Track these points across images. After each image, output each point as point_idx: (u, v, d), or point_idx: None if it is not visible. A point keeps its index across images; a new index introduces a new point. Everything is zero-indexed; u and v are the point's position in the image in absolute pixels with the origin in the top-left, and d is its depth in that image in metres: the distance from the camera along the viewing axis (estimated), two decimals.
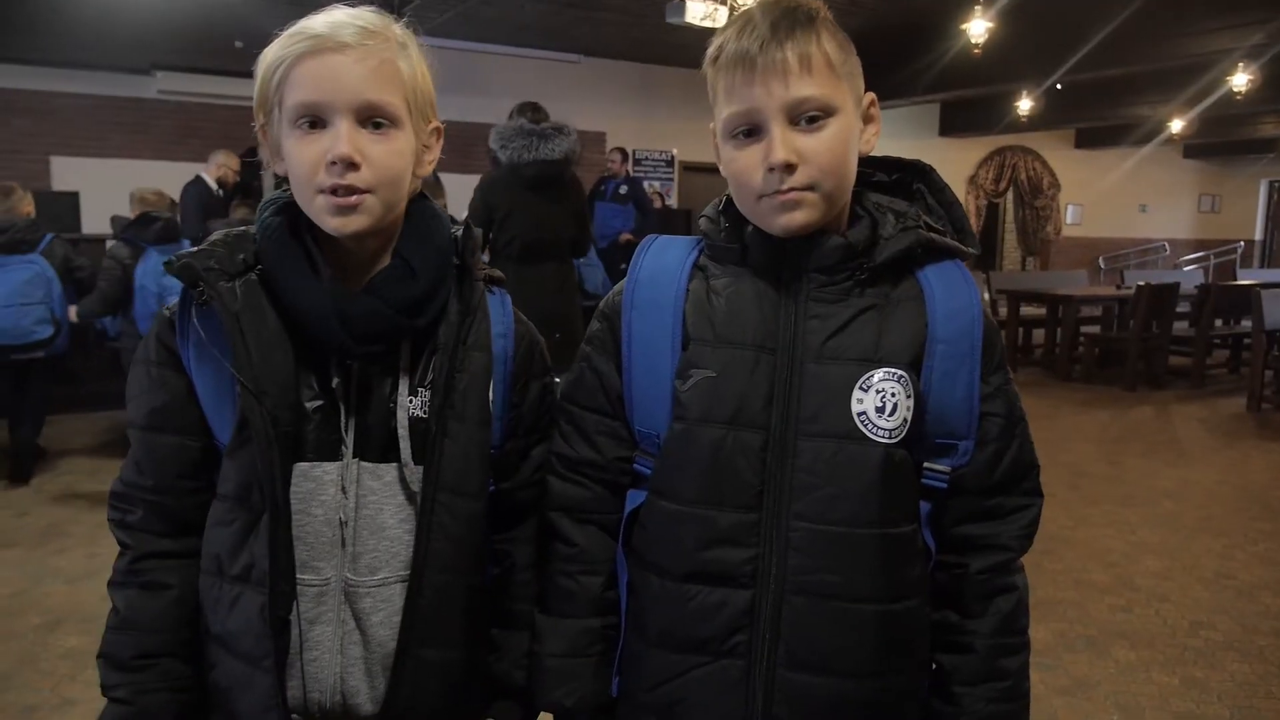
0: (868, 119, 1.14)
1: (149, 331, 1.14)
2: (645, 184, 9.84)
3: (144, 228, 5.02)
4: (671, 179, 11.87)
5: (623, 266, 1.24)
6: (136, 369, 1.14)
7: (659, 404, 1.15)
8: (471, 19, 8.23)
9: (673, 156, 11.80)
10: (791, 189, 1.06)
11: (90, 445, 5.84)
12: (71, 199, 7.64)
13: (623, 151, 8.65)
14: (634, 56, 10.73)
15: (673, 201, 11.44)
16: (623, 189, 8.32)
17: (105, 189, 5.83)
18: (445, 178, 7.77)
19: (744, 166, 1.09)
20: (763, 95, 1.06)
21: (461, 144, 10.36)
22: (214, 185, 7.06)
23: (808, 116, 1.07)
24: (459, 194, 5.08)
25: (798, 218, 1.08)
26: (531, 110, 4.17)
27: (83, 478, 5.26)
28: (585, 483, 1.21)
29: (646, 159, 11.63)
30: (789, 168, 1.06)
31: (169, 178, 7.44)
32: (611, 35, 9.68)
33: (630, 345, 1.17)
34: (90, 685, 2.94)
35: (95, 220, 7.35)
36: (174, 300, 1.12)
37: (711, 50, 1.12)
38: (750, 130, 1.09)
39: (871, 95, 1.15)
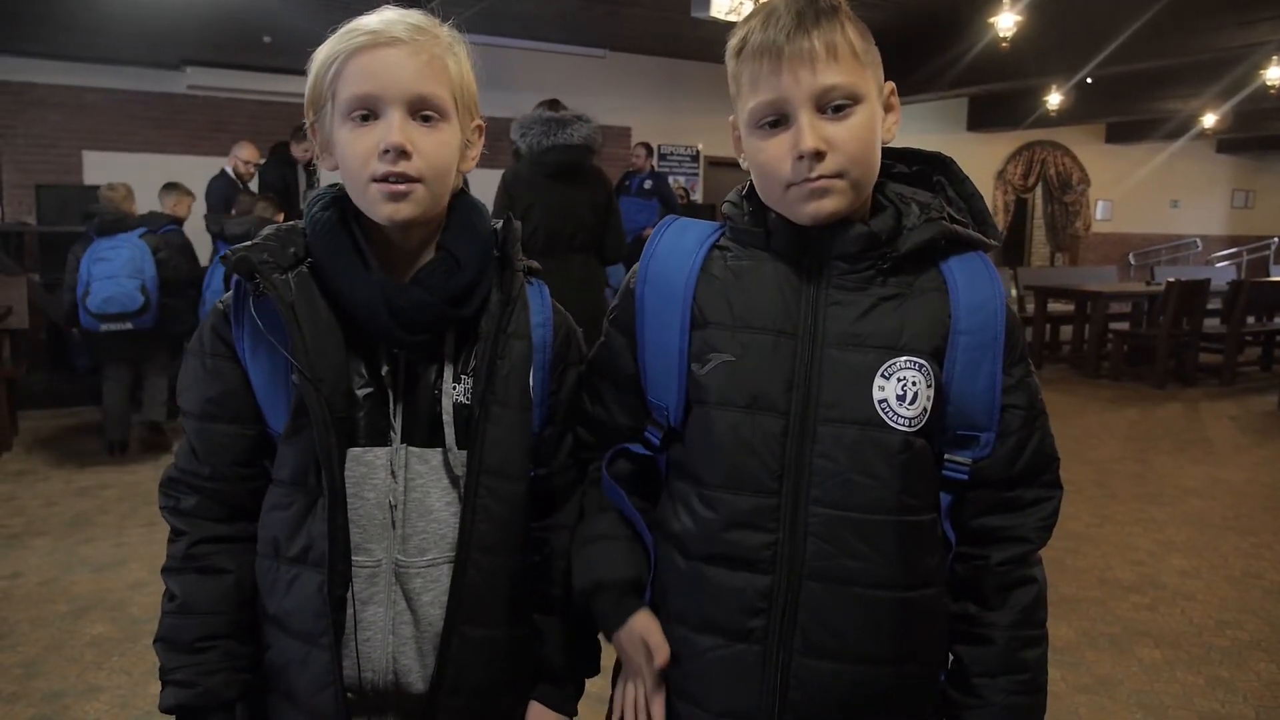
0: (888, 108, 1.15)
1: (203, 324, 1.18)
2: (670, 179, 9.83)
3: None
4: (697, 174, 11.85)
5: None
6: (190, 360, 1.18)
7: (668, 378, 1.17)
8: (496, 14, 8.24)
9: (698, 151, 11.78)
10: (821, 176, 1.07)
11: None
12: None
13: (647, 146, 8.63)
14: (659, 51, 10.72)
15: (698, 196, 11.42)
16: (647, 184, 8.31)
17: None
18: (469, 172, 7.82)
19: (771, 156, 1.10)
20: (790, 84, 1.06)
21: (487, 139, 10.37)
22: (235, 177, 7.11)
23: (834, 105, 1.07)
24: (480, 188, 5.10)
25: (826, 205, 1.08)
26: (550, 105, 4.18)
27: (111, 468, 5.34)
28: (598, 433, 1.27)
29: (672, 154, 11.62)
30: (818, 155, 1.06)
31: (198, 172, 7.52)
32: (637, 30, 9.66)
33: (643, 319, 1.19)
34: (116, 672, 2.98)
35: None
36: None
37: (734, 42, 1.12)
38: (777, 120, 1.09)
39: (891, 84, 1.15)
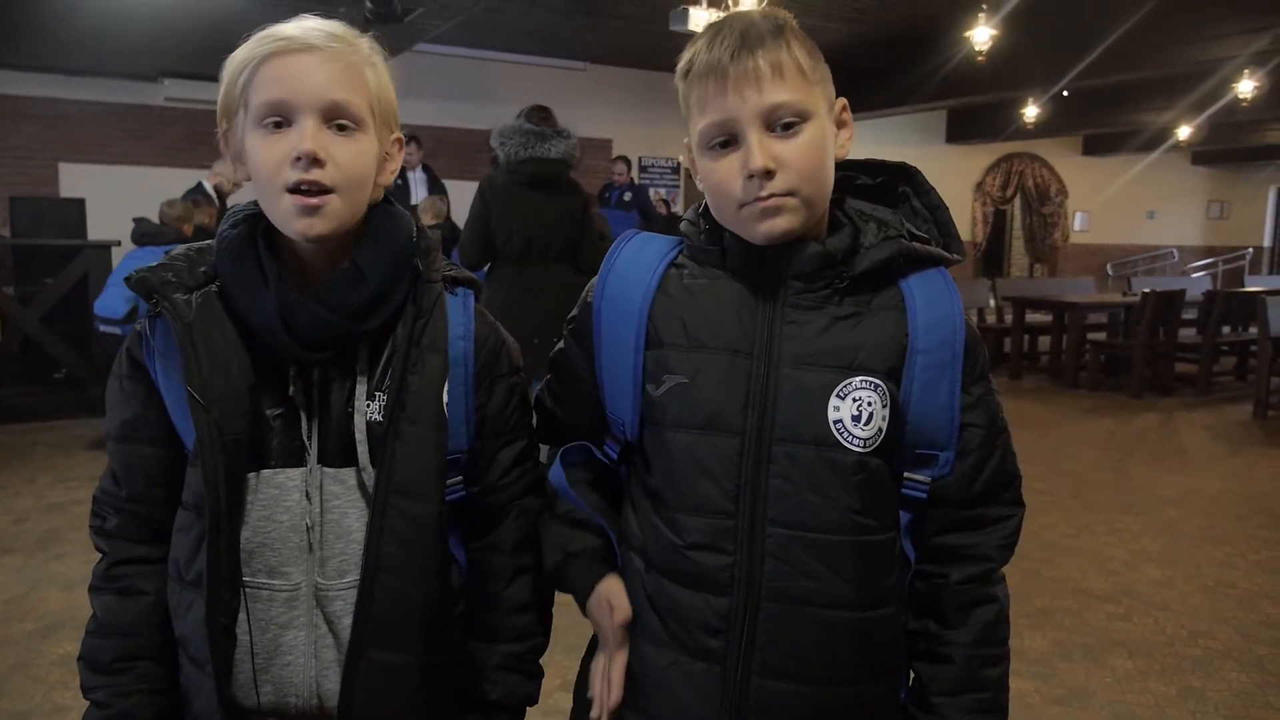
0: (840, 124, 1.14)
1: (123, 345, 1.16)
2: (651, 191, 9.86)
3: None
4: (678, 186, 11.90)
5: None
6: (111, 382, 1.16)
7: (623, 394, 1.16)
8: (476, 26, 8.25)
9: (679, 163, 11.81)
10: (772, 195, 1.06)
11: (92, 451, 5.85)
12: (78, 205, 7.66)
13: (625, 160, 8.69)
14: (640, 63, 10.75)
15: (679, 208, 11.45)
16: (627, 196, 8.36)
17: (112, 195, 5.98)
18: (449, 184, 7.82)
19: (722, 177, 1.09)
20: (737, 103, 1.06)
21: (466, 151, 10.42)
22: (212, 193, 7.08)
23: (783, 123, 1.06)
24: (463, 200, 5.12)
25: (779, 224, 1.07)
26: (539, 114, 4.16)
27: (84, 483, 5.28)
28: (552, 420, 1.29)
29: (653, 166, 11.66)
30: (768, 174, 1.05)
31: (174, 184, 7.48)
32: (617, 42, 9.70)
33: (600, 333, 1.18)
34: None
35: (101, 227, 7.39)
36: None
37: (682, 64, 1.12)
38: (727, 140, 1.09)
39: (843, 100, 1.14)
